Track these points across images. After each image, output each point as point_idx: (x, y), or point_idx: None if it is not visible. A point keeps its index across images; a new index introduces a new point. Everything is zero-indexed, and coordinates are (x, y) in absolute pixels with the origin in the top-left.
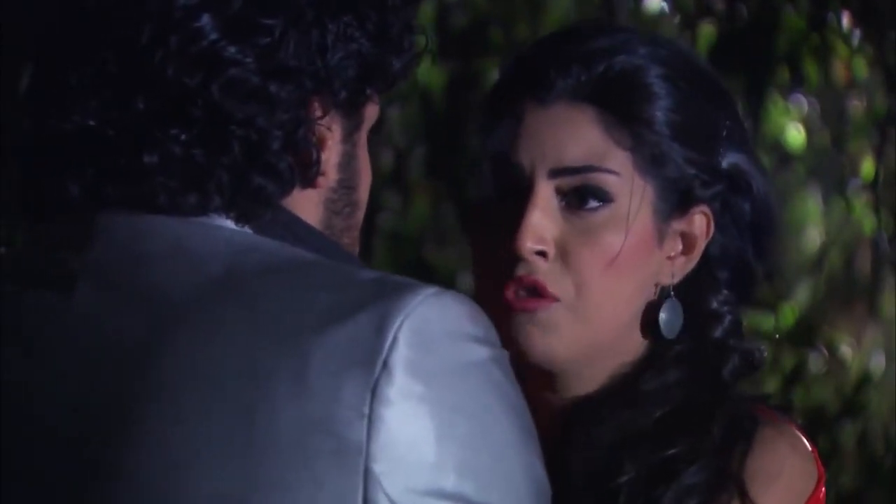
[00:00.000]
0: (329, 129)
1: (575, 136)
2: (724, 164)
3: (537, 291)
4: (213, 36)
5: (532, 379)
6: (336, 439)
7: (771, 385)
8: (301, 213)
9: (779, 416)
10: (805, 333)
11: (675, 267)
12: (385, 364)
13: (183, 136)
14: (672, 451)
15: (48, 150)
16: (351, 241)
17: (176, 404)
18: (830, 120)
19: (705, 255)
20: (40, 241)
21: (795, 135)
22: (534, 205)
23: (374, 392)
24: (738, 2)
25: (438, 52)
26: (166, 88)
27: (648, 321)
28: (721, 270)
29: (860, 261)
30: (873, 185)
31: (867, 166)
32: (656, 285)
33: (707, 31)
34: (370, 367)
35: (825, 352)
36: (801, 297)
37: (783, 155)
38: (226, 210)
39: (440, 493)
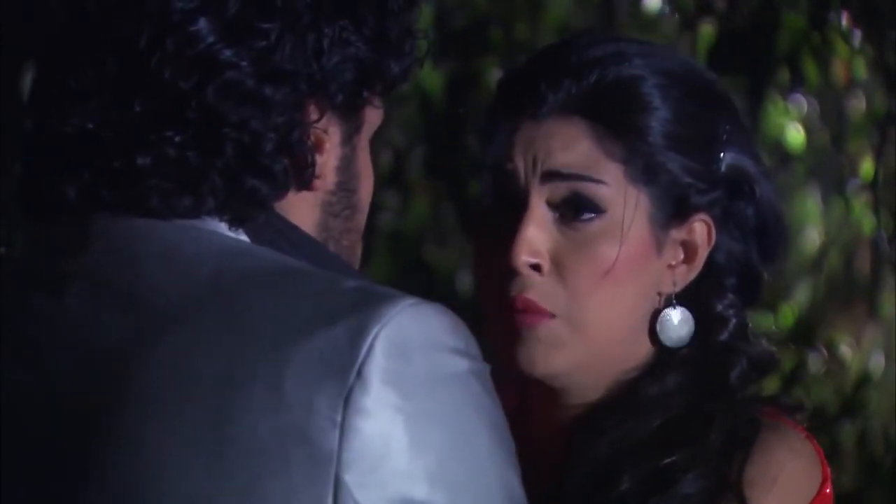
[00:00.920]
0: (326, 132)
1: (566, 146)
2: (724, 168)
3: (530, 311)
4: (210, 39)
5: (536, 393)
6: (309, 447)
7: (771, 385)
8: (297, 215)
9: (786, 417)
10: (804, 333)
11: (677, 276)
12: (359, 373)
13: (177, 139)
14: (670, 460)
15: (47, 152)
16: (350, 243)
17: (155, 408)
18: (830, 120)
19: (711, 262)
20: (36, 243)
21: (795, 135)
22: (528, 218)
23: (348, 401)
24: (738, 1)
25: (438, 52)
26: (162, 91)
27: (654, 329)
28: (727, 276)
29: (860, 261)
30: (873, 185)
31: (867, 166)
32: (659, 294)
33: (707, 31)
34: (344, 375)
35: (825, 352)
36: (800, 297)
37: (783, 155)
38: (219, 212)
39: (411, 502)
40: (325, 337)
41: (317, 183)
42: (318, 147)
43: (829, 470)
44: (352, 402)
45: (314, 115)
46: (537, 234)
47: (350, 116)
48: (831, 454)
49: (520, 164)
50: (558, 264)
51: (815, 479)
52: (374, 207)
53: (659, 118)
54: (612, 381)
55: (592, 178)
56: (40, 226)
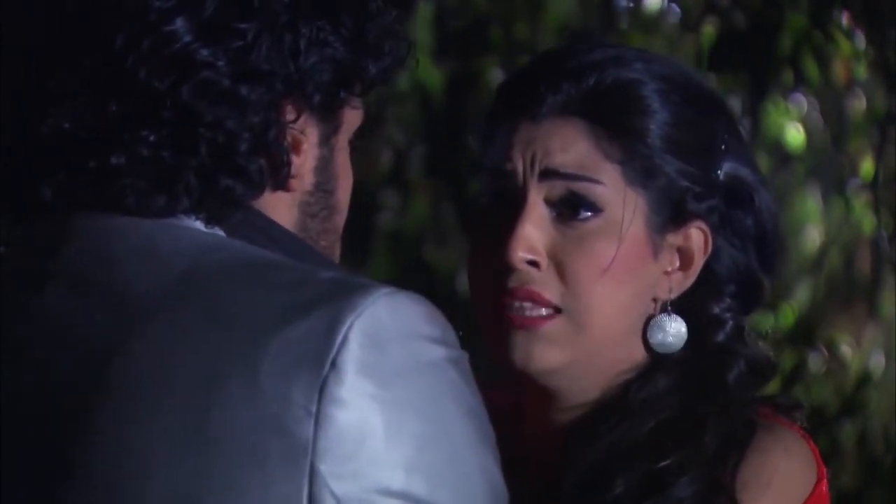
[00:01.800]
0: (303, 132)
1: (564, 146)
2: (722, 176)
3: (534, 301)
4: (187, 38)
5: (531, 393)
6: (285, 438)
7: (771, 385)
8: (274, 215)
9: (782, 417)
10: (805, 333)
11: (673, 282)
12: (334, 363)
13: (151, 138)
14: (664, 463)
15: (24, 151)
16: (328, 243)
17: (133, 403)
18: (830, 120)
19: (709, 270)
20: (17, 242)
21: (795, 134)
22: (525, 215)
23: (322, 391)
24: (739, 1)
25: (438, 51)
26: (138, 91)
27: (647, 336)
28: (727, 285)
29: (860, 260)
30: (873, 185)
31: (867, 166)
32: (655, 300)
33: (708, 30)
34: (319, 366)
35: (825, 351)
36: (800, 296)
37: (783, 155)
38: (194, 211)
39: (387, 492)
40: (300, 327)
41: (294, 183)
42: (296, 148)
43: (824, 468)
44: (326, 392)
45: (291, 116)
46: (534, 231)
47: (328, 117)
48: (831, 454)
49: (518, 164)
50: (556, 261)
51: (810, 479)
52: (374, 207)
53: (657, 121)
54: (607, 384)
55: (590, 177)
56: (21, 225)
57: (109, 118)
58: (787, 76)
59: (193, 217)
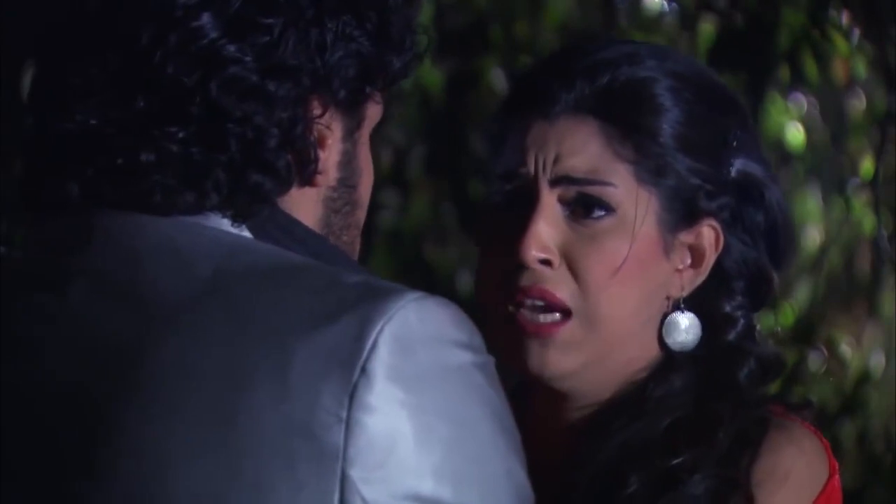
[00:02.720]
0: (328, 127)
1: (576, 148)
2: (734, 173)
3: (547, 302)
4: (213, 34)
5: (544, 393)
6: (315, 443)
7: (772, 385)
8: (299, 211)
9: (792, 414)
10: (805, 332)
11: (685, 280)
12: (364, 369)
13: (181, 134)
14: (677, 461)
15: (49, 148)
16: (350, 239)
17: (159, 404)
18: (830, 119)
19: (720, 266)
20: (37, 240)
21: (795, 134)
22: (538, 214)
23: (353, 397)
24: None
25: (437, 51)
26: (165, 87)
27: (661, 333)
28: (737, 281)
29: (860, 260)
30: (873, 184)
31: (867, 165)
32: (668, 298)
33: (707, 29)
34: (349, 371)
35: (825, 351)
36: (800, 296)
37: (783, 154)
38: (223, 208)
39: (417, 498)
40: (329, 332)
41: (319, 179)
42: (321, 143)
43: (836, 463)
44: (357, 398)
45: (317, 111)
46: (547, 230)
47: (352, 112)
48: (831, 453)
49: (531, 167)
50: (569, 260)
51: (822, 475)
52: (374, 206)
53: (669, 120)
54: (619, 383)
55: (602, 181)
56: (41, 223)
57: (137, 114)
58: (786, 74)
59: (220, 214)
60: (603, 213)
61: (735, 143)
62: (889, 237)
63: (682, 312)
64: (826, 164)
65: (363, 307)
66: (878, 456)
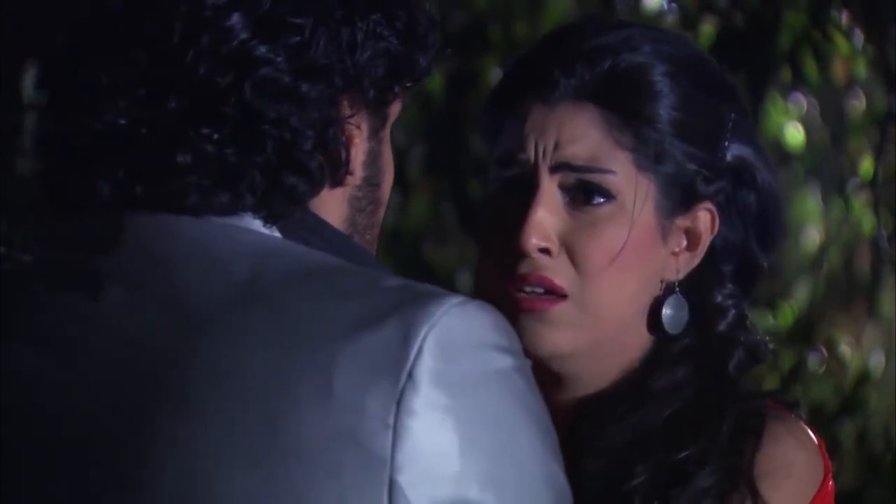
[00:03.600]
0: (357, 127)
1: (576, 135)
2: (729, 157)
3: (546, 288)
4: (244, 35)
5: (541, 381)
6: (361, 450)
7: (770, 384)
8: (326, 210)
9: (786, 410)
10: (804, 332)
11: (680, 263)
12: (410, 375)
13: (215, 136)
14: (684, 454)
15: (75, 148)
16: (372, 237)
17: (199, 411)
18: (830, 119)
19: (710, 248)
20: (64, 240)
21: (795, 134)
22: (538, 202)
23: (400, 403)
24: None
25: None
26: (198, 87)
27: (654, 317)
28: (726, 263)
29: (859, 260)
30: (872, 185)
31: (866, 165)
32: (662, 281)
33: (707, 29)
34: (396, 377)
35: (824, 351)
36: (800, 296)
37: (782, 154)
38: (256, 210)
39: (462, 503)
40: (373, 338)
41: (347, 178)
42: (350, 142)
43: (829, 464)
44: (404, 404)
45: (347, 111)
46: (547, 217)
47: (379, 111)
48: (831, 453)
49: (531, 153)
50: (567, 246)
51: (819, 472)
52: None
53: (666, 105)
54: (615, 370)
55: (602, 168)
56: (66, 223)
57: (169, 115)
58: (786, 75)
59: (253, 215)
60: (603, 200)
61: (730, 127)
62: (889, 237)
63: (675, 295)
64: (826, 164)
65: (406, 312)
66: (877, 456)
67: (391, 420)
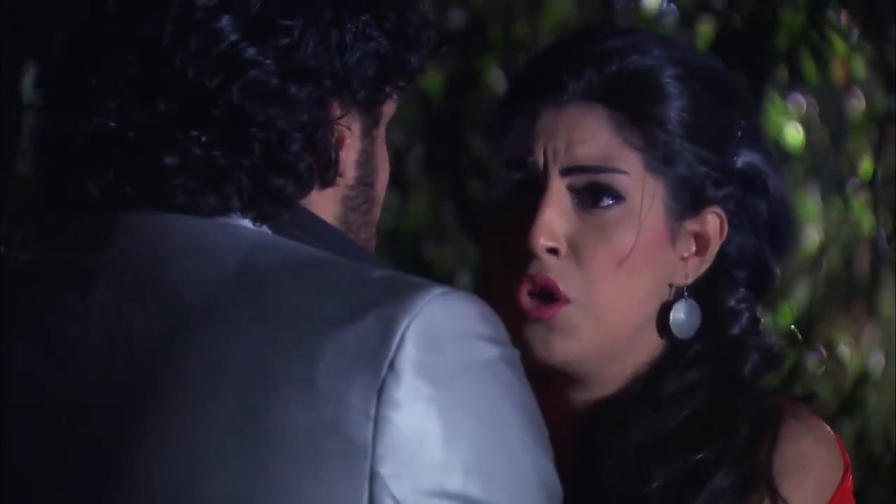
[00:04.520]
0: (348, 128)
1: (586, 136)
2: (739, 163)
3: (550, 293)
4: (233, 37)
5: (552, 384)
6: (343, 441)
7: (769, 384)
8: (318, 210)
9: (802, 407)
10: (804, 332)
11: (689, 268)
12: (392, 365)
13: (203, 138)
14: (700, 456)
15: (69, 149)
16: (368, 236)
17: (188, 404)
18: (829, 119)
19: (722, 256)
20: (57, 239)
21: (794, 134)
22: (547, 202)
23: (381, 394)
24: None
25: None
26: (187, 90)
27: (664, 322)
28: (738, 270)
29: (859, 260)
30: (872, 185)
31: (866, 165)
32: (671, 286)
33: (705, 29)
34: (376, 368)
35: (824, 351)
36: (799, 296)
37: (782, 154)
38: (244, 211)
39: (446, 494)
40: (355, 329)
41: (338, 179)
42: (340, 143)
43: (848, 458)
44: (385, 394)
45: (337, 112)
46: (556, 217)
47: (370, 111)
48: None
49: (539, 156)
50: (575, 249)
51: (839, 467)
52: None
53: (676, 108)
54: (626, 373)
55: (614, 168)
56: (60, 222)
57: (158, 117)
58: (784, 75)
59: (242, 216)
60: (611, 201)
61: (740, 133)
62: (888, 237)
63: (685, 300)
64: (825, 164)
65: (389, 303)
66: (877, 456)
67: (372, 411)
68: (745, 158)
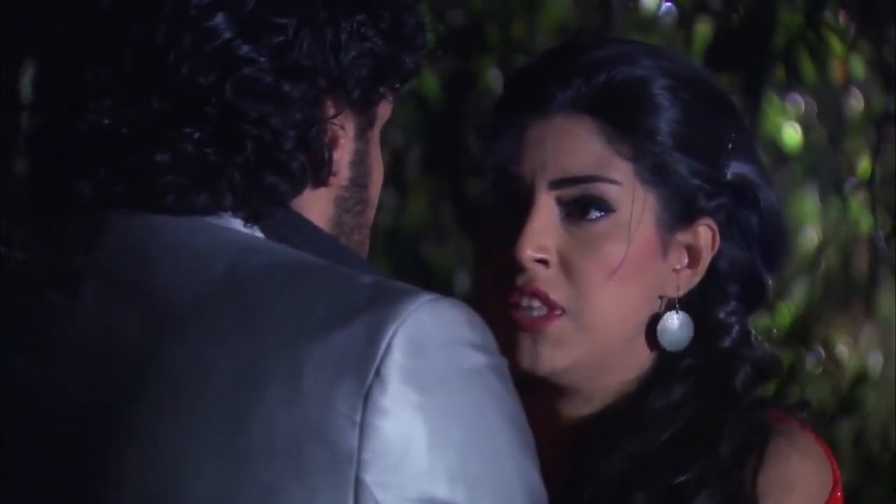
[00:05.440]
0: (342, 127)
1: (576, 146)
2: (730, 175)
3: (542, 301)
4: (227, 35)
5: (540, 398)
6: (329, 447)
7: (768, 385)
8: (311, 210)
9: (792, 418)
10: (802, 332)
11: (681, 280)
12: (378, 372)
13: (196, 135)
14: (683, 478)
15: (61, 148)
16: (361, 238)
17: (174, 405)
18: (827, 119)
19: (713, 269)
20: (46, 239)
21: (792, 134)
22: (535, 214)
23: (367, 400)
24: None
25: (435, 51)
26: (180, 87)
27: (654, 334)
28: (730, 283)
29: (857, 260)
30: (870, 185)
31: (864, 165)
32: (661, 298)
33: (703, 29)
34: (363, 375)
35: (822, 351)
36: (797, 296)
37: (780, 154)
38: (236, 209)
39: (431, 501)
40: (342, 334)
41: (331, 179)
42: (334, 143)
43: (838, 472)
44: (371, 401)
45: (331, 111)
46: (544, 229)
47: (364, 111)
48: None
49: (528, 167)
50: (564, 261)
51: (827, 483)
52: None
53: (667, 119)
54: (616, 386)
55: (605, 177)
56: (50, 222)
57: (151, 115)
58: (782, 75)
59: (234, 215)
60: (600, 213)
61: (731, 146)
62: (886, 237)
63: (676, 312)
64: (823, 164)
65: (376, 309)
66: (875, 456)
67: (358, 417)
68: (735, 170)
